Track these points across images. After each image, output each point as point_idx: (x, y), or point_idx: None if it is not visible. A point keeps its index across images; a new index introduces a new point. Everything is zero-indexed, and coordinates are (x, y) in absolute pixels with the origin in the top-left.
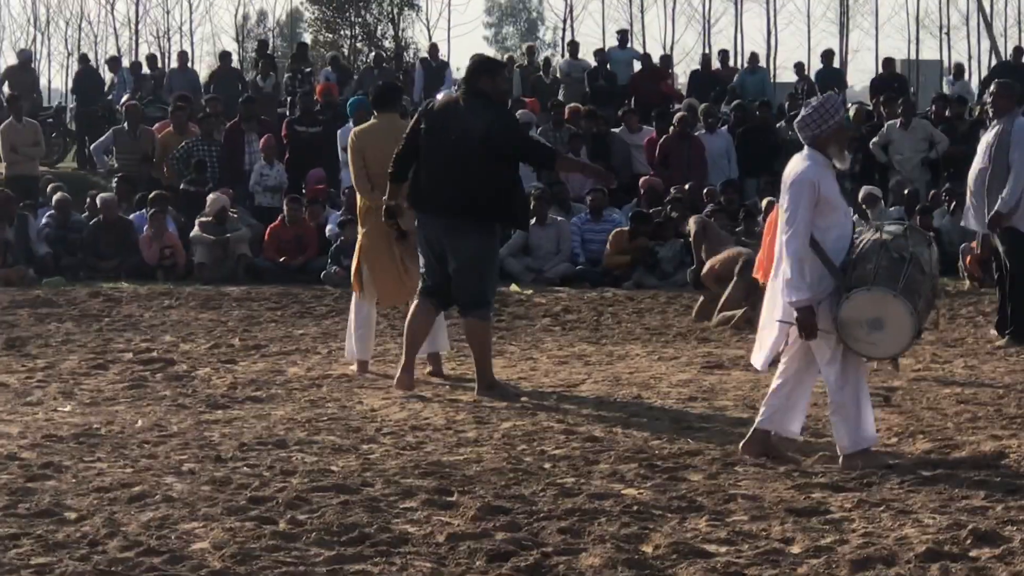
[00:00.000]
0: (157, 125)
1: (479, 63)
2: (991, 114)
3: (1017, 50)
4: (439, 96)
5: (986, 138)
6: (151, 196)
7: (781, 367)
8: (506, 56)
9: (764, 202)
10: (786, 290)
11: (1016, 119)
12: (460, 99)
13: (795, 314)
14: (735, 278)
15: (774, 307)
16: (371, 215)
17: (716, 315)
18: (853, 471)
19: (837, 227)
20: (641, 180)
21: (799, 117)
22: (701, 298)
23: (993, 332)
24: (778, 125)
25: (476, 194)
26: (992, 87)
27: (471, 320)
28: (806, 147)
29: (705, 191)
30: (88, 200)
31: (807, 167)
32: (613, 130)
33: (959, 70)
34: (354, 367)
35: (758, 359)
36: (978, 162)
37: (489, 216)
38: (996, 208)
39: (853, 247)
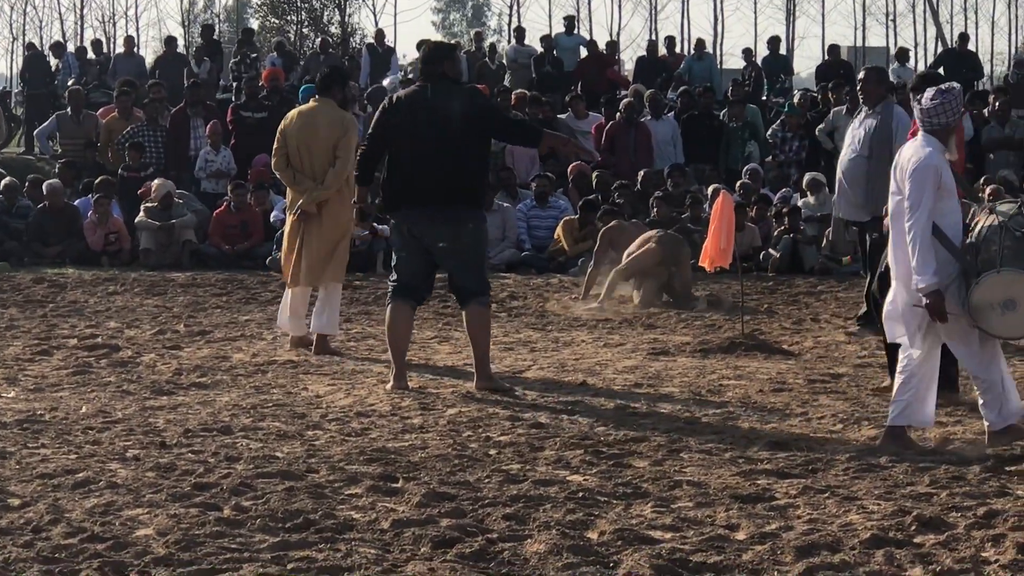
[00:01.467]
0: (102, 110)
1: (438, 48)
2: (861, 101)
3: (962, 36)
4: (385, 84)
5: (860, 127)
6: (97, 181)
7: (902, 364)
8: (454, 42)
9: (710, 189)
10: (914, 276)
11: (894, 108)
12: (424, 87)
13: (924, 300)
14: (650, 244)
15: (900, 291)
16: (292, 198)
17: (613, 271)
18: (1000, 446)
19: (951, 213)
20: (570, 167)
21: (928, 105)
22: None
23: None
24: (722, 112)
25: (466, 178)
26: (862, 74)
27: (476, 307)
28: (923, 133)
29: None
30: (27, 185)
31: (931, 153)
32: (559, 116)
33: (903, 54)
34: (287, 339)
35: (905, 341)
36: (851, 151)
37: (480, 198)
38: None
39: (968, 232)
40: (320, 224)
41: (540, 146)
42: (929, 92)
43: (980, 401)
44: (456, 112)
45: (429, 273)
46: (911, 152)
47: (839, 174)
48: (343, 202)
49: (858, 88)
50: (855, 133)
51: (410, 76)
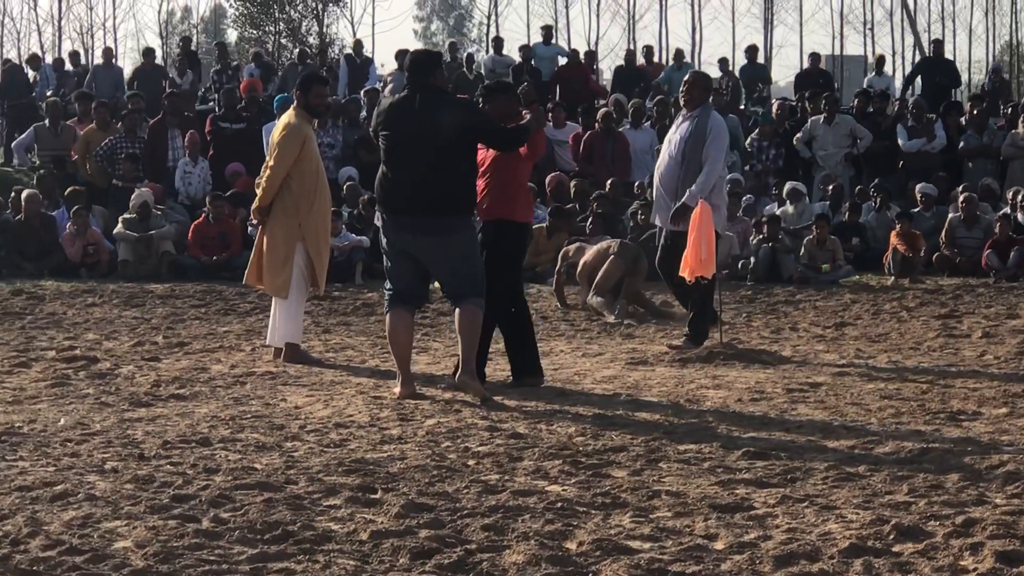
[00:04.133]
0: (78, 120)
1: (429, 57)
2: (682, 105)
3: (936, 43)
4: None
5: (677, 131)
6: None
7: None
8: (437, 50)
9: None
10: None
11: (711, 113)
12: (412, 96)
13: None
14: (612, 257)
15: None
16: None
17: (591, 295)
18: None
19: None
20: (548, 177)
21: None
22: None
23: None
24: None
25: (453, 188)
26: (688, 76)
27: (469, 307)
28: None
29: (636, 185)
30: (13, 195)
31: None
32: None
33: (880, 62)
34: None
35: None
36: (667, 157)
37: (469, 207)
38: (683, 200)
39: None
40: (264, 232)
41: (531, 137)
42: None
43: None
44: (445, 122)
45: (422, 279)
46: None
47: (656, 180)
48: (285, 214)
49: (682, 90)
50: (671, 138)
51: (390, 85)
